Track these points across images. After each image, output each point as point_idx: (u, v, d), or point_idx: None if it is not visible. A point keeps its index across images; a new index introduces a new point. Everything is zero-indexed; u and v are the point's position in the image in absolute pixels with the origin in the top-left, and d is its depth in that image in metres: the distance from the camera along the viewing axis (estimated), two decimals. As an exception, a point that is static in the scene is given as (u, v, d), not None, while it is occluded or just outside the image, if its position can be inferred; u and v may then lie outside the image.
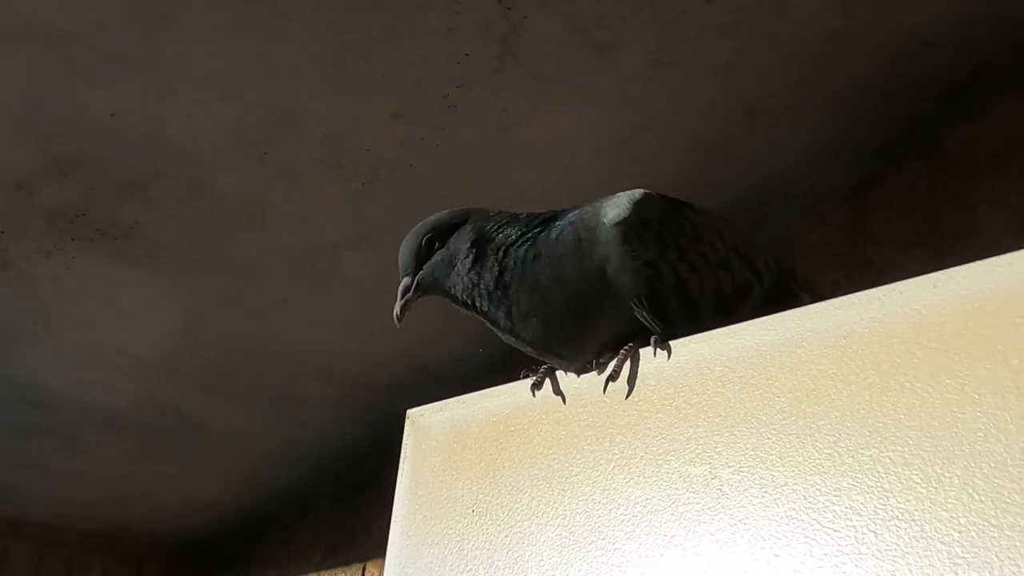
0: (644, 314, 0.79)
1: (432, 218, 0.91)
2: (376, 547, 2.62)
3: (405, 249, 0.91)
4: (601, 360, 0.80)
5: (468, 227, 0.89)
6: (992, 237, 1.31)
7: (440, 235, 0.89)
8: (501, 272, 0.84)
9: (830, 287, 1.48)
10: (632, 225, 0.80)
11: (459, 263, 0.87)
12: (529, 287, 0.82)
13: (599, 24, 1.35)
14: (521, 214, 0.89)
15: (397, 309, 0.90)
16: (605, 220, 0.81)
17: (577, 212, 0.85)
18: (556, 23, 1.35)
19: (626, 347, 0.78)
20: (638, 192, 0.83)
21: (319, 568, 2.90)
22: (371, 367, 2.32)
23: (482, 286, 0.85)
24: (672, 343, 0.75)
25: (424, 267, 0.89)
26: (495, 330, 0.87)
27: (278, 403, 2.51)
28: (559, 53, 1.40)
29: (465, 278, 0.86)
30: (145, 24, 1.42)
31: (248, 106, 1.57)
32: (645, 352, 0.78)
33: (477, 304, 0.86)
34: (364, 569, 2.66)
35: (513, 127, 1.54)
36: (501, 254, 0.85)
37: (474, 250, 0.86)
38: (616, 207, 0.81)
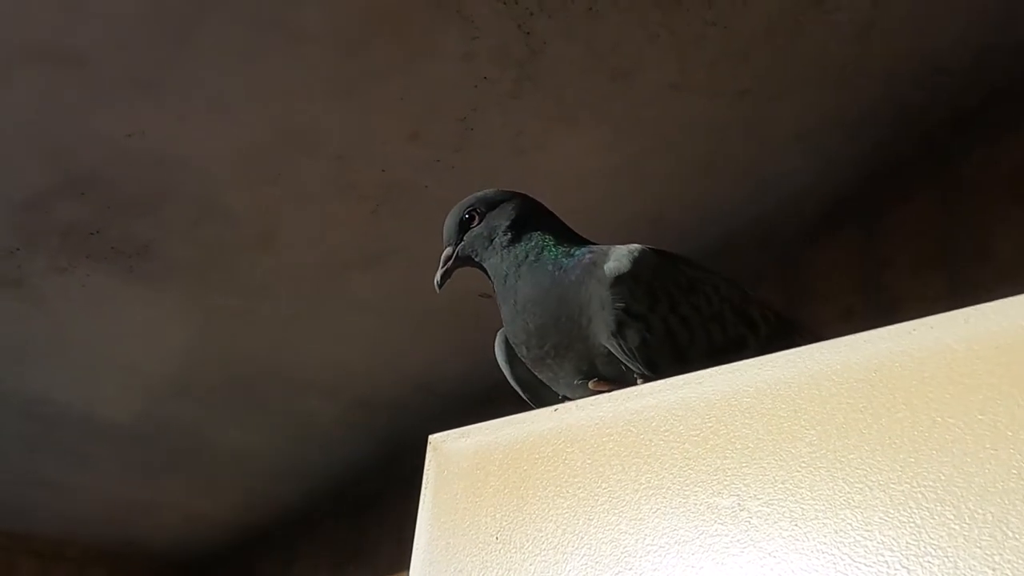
0: (631, 362, 0.83)
1: (480, 192, 0.94)
2: (382, 566, 2.61)
3: (450, 220, 0.93)
4: (578, 383, 0.86)
5: (510, 206, 0.92)
6: (1007, 263, 1.31)
7: (483, 209, 0.92)
8: (520, 264, 0.88)
9: (844, 312, 1.49)
10: (623, 277, 0.84)
11: (496, 238, 0.90)
12: (532, 286, 0.87)
13: (616, 49, 1.36)
14: (564, 225, 0.93)
15: (438, 276, 0.93)
16: (604, 266, 0.85)
17: (596, 249, 0.89)
18: (574, 48, 1.36)
19: (609, 386, 0.83)
20: (636, 247, 0.86)
21: (324, 586, 2.89)
22: (378, 386, 2.32)
23: (505, 267, 0.89)
24: (699, 373, 0.75)
25: (465, 238, 0.92)
26: (505, 321, 0.91)
27: (285, 421, 2.51)
28: (576, 77, 1.41)
29: (498, 255, 0.90)
30: (161, 46, 1.43)
31: (263, 127, 1.57)
32: (668, 383, 0.78)
33: (495, 284, 0.90)
34: (370, 587, 2.65)
35: (528, 150, 1.55)
36: (534, 251, 0.89)
37: (512, 231, 0.90)
38: (616, 259, 0.85)
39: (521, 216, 0.91)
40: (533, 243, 0.89)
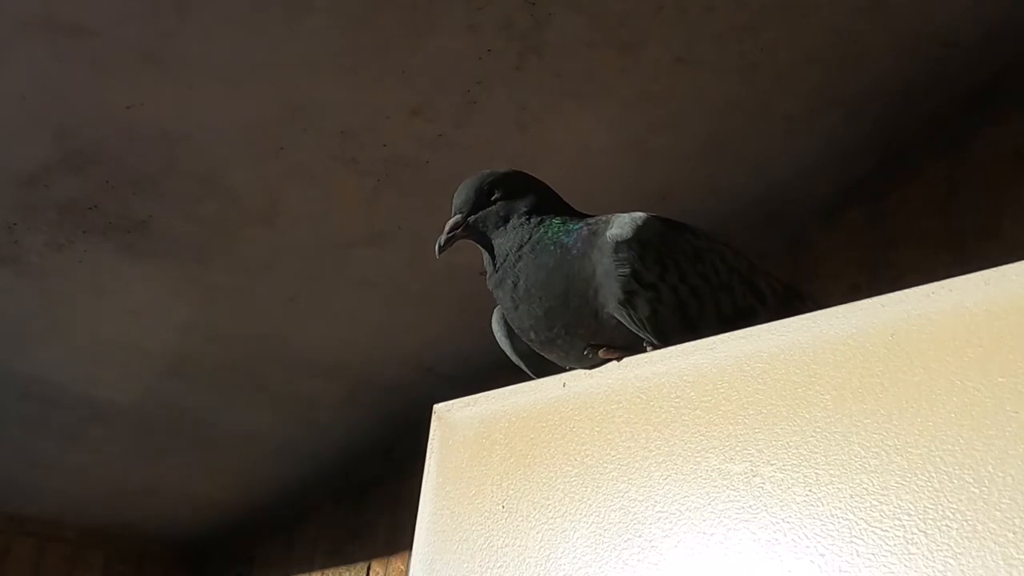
0: (640, 331, 0.82)
1: (501, 170, 0.93)
2: (381, 546, 2.61)
3: (466, 188, 0.92)
4: (590, 356, 0.84)
5: (532, 192, 0.92)
6: (1015, 241, 1.30)
7: (505, 188, 0.91)
8: (522, 245, 0.87)
9: (849, 291, 1.48)
10: (630, 244, 0.82)
11: (512, 220, 0.89)
12: (536, 268, 0.86)
13: (623, 22, 1.34)
14: (571, 209, 0.92)
15: (442, 240, 0.91)
16: (606, 234, 0.84)
17: (594, 220, 0.88)
18: (580, 20, 1.34)
19: (619, 353, 0.82)
20: (640, 214, 0.85)
21: (323, 567, 2.89)
22: (380, 366, 2.31)
23: (507, 247, 0.88)
24: (710, 339, 0.74)
25: (480, 212, 0.91)
26: (505, 309, 0.90)
27: (284, 402, 2.50)
28: (582, 51, 1.39)
29: (505, 236, 0.89)
30: (163, 17, 1.41)
31: (265, 101, 1.55)
32: (679, 349, 0.77)
33: (498, 266, 0.89)
34: (369, 568, 2.65)
35: (531, 125, 1.53)
36: (536, 231, 0.88)
37: (527, 216, 0.89)
38: (619, 226, 0.84)
39: (540, 203, 0.90)
40: (539, 225, 0.88)
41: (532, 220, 0.88)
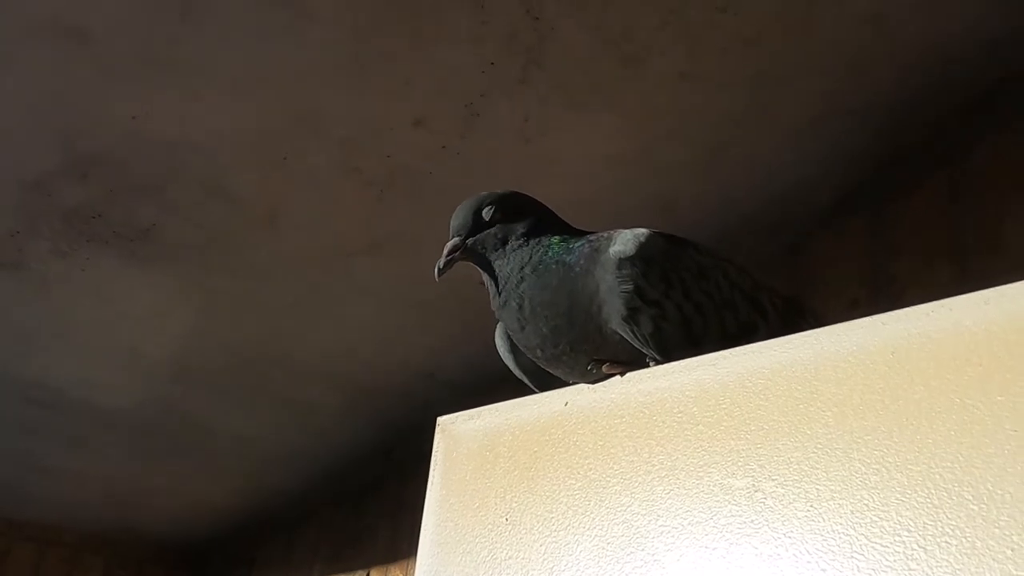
0: (644, 348, 0.82)
1: (498, 191, 0.93)
2: (381, 553, 2.61)
3: (464, 211, 0.93)
4: (594, 371, 0.85)
5: (530, 213, 0.92)
6: (1016, 253, 1.31)
7: (502, 210, 0.91)
8: (524, 266, 0.88)
9: (849, 305, 1.48)
10: (633, 261, 0.83)
11: (511, 242, 0.90)
12: (540, 288, 0.86)
13: (627, 35, 1.35)
14: (570, 227, 0.93)
15: (441, 263, 0.92)
16: (609, 250, 0.84)
17: (596, 236, 0.89)
18: (584, 34, 1.35)
19: (622, 368, 0.82)
20: (643, 231, 0.86)
21: (323, 573, 2.89)
22: (380, 373, 2.31)
23: (509, 269, 0.88)
24: (713, 355, 0.75)
25: (479, 234, 0.91)
26: (511, 330, 0.90)
27: (285, 407, 2.50)
28: (585, 64, 1.40)
29: (506, 258, 0.89)
30: (169, 24, 1.42)
31: (269, 109, 1.56)
32: (681, 364, 0.78)
33: (495, 286, 0.89)
34: (368, 575, 2.65)
35: (535, 137, 1.54)
36: (537, 252, 0.88)
37: (525, 237, 0.90)
38: (622, 243, 0.84)
39: (538, 224, 0.91)
40: (538, 246, 0.89)
41: (531, 241, 0.89)
